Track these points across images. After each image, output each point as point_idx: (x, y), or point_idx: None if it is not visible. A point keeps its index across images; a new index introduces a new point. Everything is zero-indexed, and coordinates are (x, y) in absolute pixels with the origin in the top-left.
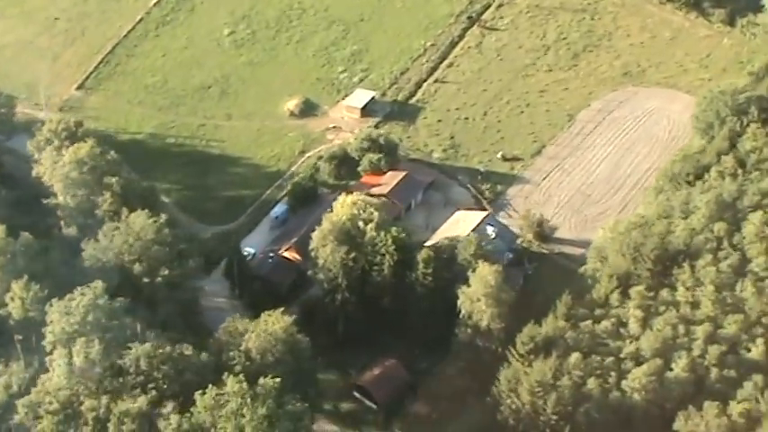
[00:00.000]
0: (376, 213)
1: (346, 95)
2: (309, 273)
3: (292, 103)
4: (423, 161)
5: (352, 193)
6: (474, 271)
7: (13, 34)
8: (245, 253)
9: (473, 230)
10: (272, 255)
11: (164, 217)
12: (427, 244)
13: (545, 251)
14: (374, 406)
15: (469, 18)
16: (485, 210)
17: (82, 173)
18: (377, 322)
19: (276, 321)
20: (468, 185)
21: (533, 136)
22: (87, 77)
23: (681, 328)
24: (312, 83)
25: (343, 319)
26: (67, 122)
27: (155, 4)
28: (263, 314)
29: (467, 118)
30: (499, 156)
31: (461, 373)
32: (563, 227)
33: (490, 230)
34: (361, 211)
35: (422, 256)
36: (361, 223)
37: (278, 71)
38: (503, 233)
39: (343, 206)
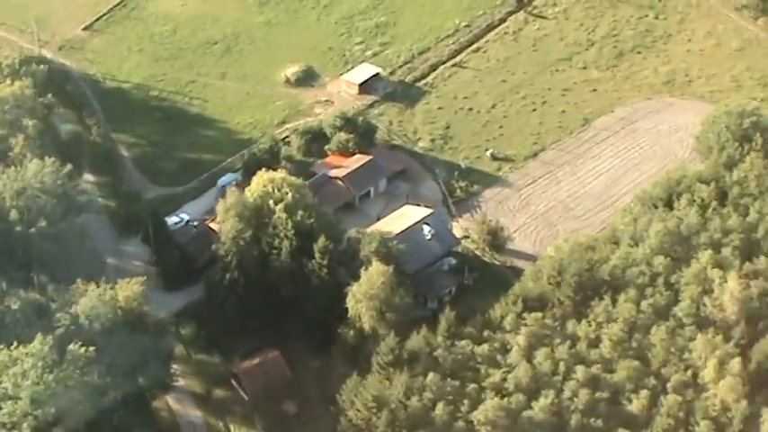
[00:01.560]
0: (290, 194)
1: (352, 69)
2: (213, 247)
3: (291, 71)
4: (404, 148)
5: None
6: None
7: None
8: (177, 219)
9: (409, 228)
10: (195, 224)
11: (68, 167)
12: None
13: (497, 262)
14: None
15: (519, 1)
16: (430, 207)
17: (3, 112)
18: (275, 310)
19: (124, 290)
20: (440, 181)
21: (536, 137)
22: (98, 19)
23: (562, 366)
24: (323, 51)
25: (233, 301)
26: (13, 60)
27: None
28: (120, 281)
29: (471, 108)
30: (488, 153)
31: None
32: (528, 239)
33: (426, 230)
34: (276, 190)
35: (317, 245)
36: (271, 202)
37: (292, 35)
38: (442, 235)
39: (259, 182)
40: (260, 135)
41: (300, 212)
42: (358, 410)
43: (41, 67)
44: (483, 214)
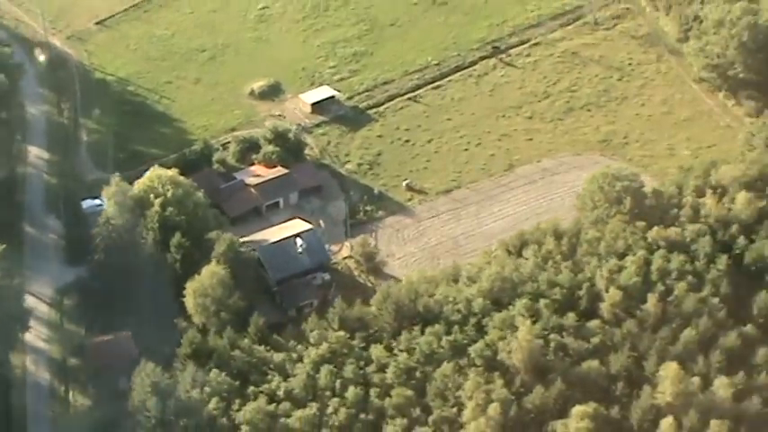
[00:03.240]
0: (171, 191)
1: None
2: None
3: (258, 84)
4: (330, 168)
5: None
6: None
7: None
8: (99, 202)
9: (285, 239)
10: None
11: None
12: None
13: (369, 284)
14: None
15: (495, 48)
16: (310, 223)
17: None
18: (140, 295)
19: None
20: (345, 201)
21: (457, 175)
22: (112, 16)
23: (339, 383)
24: (296, 71)
25: (97, 281)
26: None
27: None
28: None
29: (407, 140)
30: (404, 184)
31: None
32: (408, 268)
33: (299, 243)
34: (161, 186)
35: (173, 241)
36: (152, 196)
37: (275, 52)
38: (314, 250)
39: (148, 177)
40: (208, 137)
41: (170, 209)
42: (139, 393)
43: (6, 49)
44: (364, 237)
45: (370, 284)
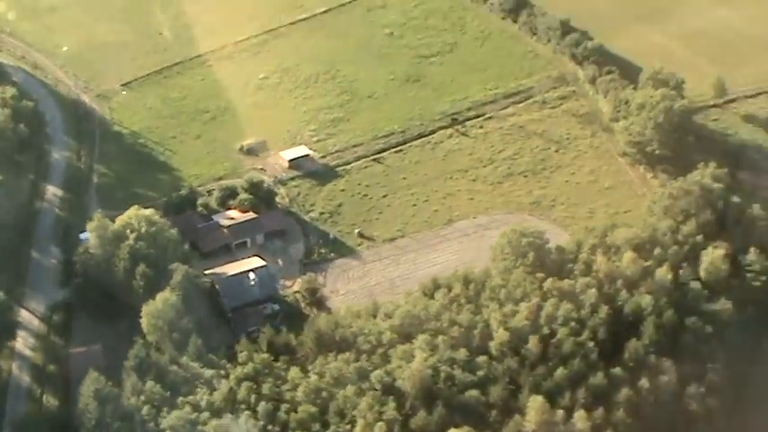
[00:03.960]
0: (144, 228)
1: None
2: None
3: (247, 141)
4: (296, 215)
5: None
6: None
7: (116, 36)
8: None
9: (240, 273)
10: None
11: None
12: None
13: (312, 315)
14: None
15: (454, 120)
16: (265, 261)
17: None
18: (116, 312)
19: None
20: (304, 244)
21: (403, 226)
22: (135, 79)
23: (254, 398)
24: (281, 132)
25: (76, 300)
26: (4, 93)
27: (239, 41)
28: None
29: (366, 195)
30: (356, 231)
31: None
32: (346, 303)
33: (251, 277)
34: (137, 223)
35: (138, 270)
36: (128, 231)
37: (266, 116)
38: (265, 285)
39: (128, 215)
40: (197, 184)
41: (141, 243)
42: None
43: (29, 103)
44: (311, 275)
45: (312, 315)
